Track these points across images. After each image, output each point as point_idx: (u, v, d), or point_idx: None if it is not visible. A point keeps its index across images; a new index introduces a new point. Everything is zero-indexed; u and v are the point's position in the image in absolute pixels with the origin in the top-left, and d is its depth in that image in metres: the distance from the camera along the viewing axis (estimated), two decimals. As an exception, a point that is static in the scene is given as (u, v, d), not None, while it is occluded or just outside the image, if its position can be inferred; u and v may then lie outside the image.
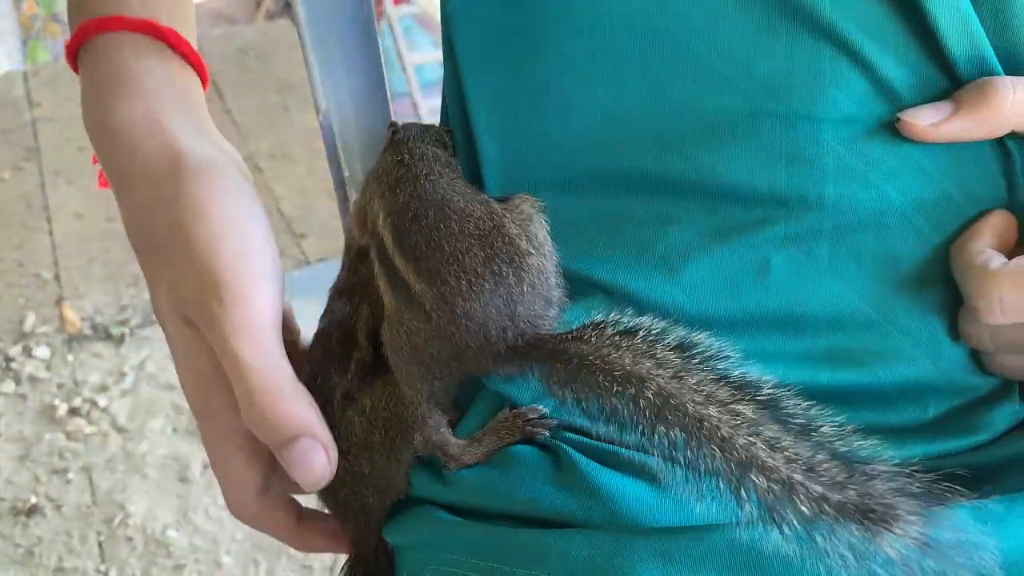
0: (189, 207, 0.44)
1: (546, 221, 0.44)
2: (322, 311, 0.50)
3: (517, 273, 0.41)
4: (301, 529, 0.51)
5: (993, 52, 0.41)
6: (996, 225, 0.43)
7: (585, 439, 0.43)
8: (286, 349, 0.45)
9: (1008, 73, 0.41)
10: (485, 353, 0.41)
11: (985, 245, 0.42)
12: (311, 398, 0.44)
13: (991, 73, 0.41)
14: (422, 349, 0.42)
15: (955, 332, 0.44)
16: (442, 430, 0.45)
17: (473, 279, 0.41)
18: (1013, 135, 0.42)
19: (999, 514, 0.38)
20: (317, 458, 0.43)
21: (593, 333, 0.40)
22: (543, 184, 0.47)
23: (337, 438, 0.45)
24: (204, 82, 0.52)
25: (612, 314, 0.40)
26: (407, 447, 0.45)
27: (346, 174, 0.53)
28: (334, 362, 0.47)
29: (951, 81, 0.42)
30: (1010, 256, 0.41)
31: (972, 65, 0.41)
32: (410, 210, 0.43)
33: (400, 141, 0.48)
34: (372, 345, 0.47)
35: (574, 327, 0.41)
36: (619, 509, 0.40)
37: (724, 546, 0.37)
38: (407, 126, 0.50)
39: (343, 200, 0.54)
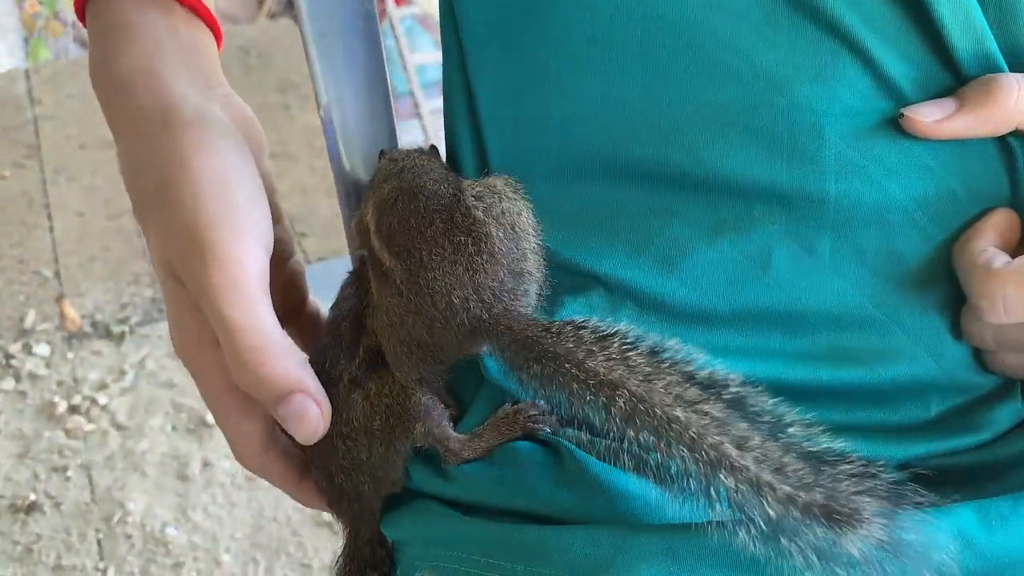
0: (175, 162, 0.44)
1: (524, 197, 0.44)
2: (327, 306, 0.50)
3: (476, 243, 0.42)
4: (303, 484, 0.51)
5: (998, 48, 0.41)
6: (999, 224, 0.42)
7: (586, 436, 0.42)
8: (295, 311, 0.45)
9: (1012, 69, 0.41)
10: (452, 325, 0.42)
11: (988, 244, 0.42)
12: (300, 354, 0.44)
13: (995, 69, 0.41)
14: (398, 326, 0.43)
15: (957, 330, 0.44)
16: (443, 423, 0.45)
17: (433, 249, 0.42)
18: (1016, 133, 0.42)
19: (1004, 512, 0.38)
20: (311, 411, 0.43)
21: (571, 334, 0.40)
22: (542, 172, 0.47)
23: (339, 421, 0.46)
24: (217, 35, 0.52)
25: (592, 318, 0.40)
26: (406, 437, 0.45)
27: (347, 169, 0.53)
28: (343, 348, 0.47)
29: (955, 77, 0.42)
30: (1013, 255, 0.41)
31: (976, 61, 0.41)
32: (390, 198, 0.45)
33: (391, 152, 0.50)
34: None
35: (552, 323, 0.41)
36: (621, 506, 0.40)
37: (726, 544, 0.36)
38: (398, 149, 0.51)
39: (344, 196, 0.54)
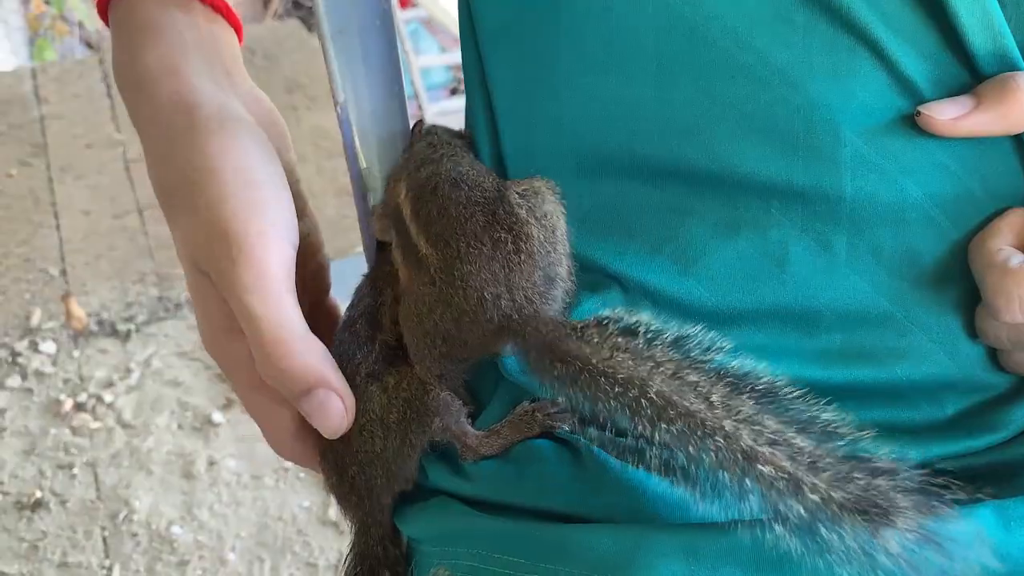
0: (200, 160, 0.44)
1: (561, 201, 0.44)
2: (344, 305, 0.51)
3: (516, 241, 0.42)
4: None
5: (1015, 45, 0.41)
6: (1015, 223, 0.42)
7: (608, 435, 0.42)
8: (315, 305, 0.45)
9: (1030, 68, 0.41)
10: (480, 321, 0.42)
11: (1004, 243, 0.42)
12: (325, 349, 0.45)
13: (1013, 67, 0.41)
14: (426, 316, 0.43)
15: (973, 329, 0.44)
16: (462, 419, 0.45)
17: (472, 242, 0.42)
18: (1034, 132, 0.42)
19: (1021, 512, 0.38)
20: (334, 406, 0.44)
21: (596, 332, 0.40)
22: (557, 170, 0.47)
23: (356, 413, 0.46)
24: (238, 31, 0.52)
25: (616, 310, 0.40)
26: (423, 431, 0.46)
27: (363, 167, 0.53)
28: (359, 344, 0.48)
29: (972, 75, 0.41)
30: (1029, 254, 0.41)
31: (993, 59, 0.41)
32: (430, 183, 0.45)
33: (430, 132, 0.50)
34: (396, 330, 0.47)
35: (579, 322, 0.41)
36: (640, 504, 0.40)
37: (748, 543, 0.36)
38: (434, 125, 0.51)
39: (360, 193, 0.54)
